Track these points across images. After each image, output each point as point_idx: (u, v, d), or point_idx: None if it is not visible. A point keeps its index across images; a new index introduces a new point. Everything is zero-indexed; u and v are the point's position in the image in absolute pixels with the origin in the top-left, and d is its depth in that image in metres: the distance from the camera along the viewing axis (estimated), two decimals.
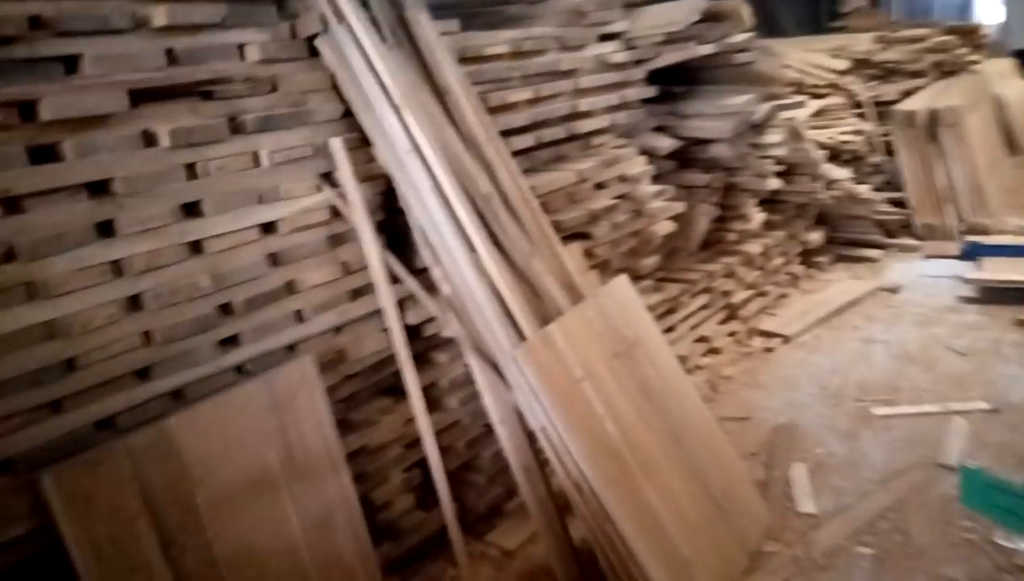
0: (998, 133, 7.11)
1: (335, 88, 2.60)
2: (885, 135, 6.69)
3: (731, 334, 4.82)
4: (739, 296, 4.92)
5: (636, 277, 4.16)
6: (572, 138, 3.74)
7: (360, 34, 2.55)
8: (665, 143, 4.34)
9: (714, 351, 4.66)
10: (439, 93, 2.90)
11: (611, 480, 2.40)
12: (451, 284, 2.69)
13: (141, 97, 2.11)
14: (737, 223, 4.93)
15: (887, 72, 7.67)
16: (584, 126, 3.74)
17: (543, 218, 3.05)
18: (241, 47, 2.37)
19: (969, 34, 8.23)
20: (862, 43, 7.56)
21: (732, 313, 4.90)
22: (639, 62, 4.07)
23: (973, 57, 7.81)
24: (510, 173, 3.01)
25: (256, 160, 2.37)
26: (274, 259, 2.43)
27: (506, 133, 3.25)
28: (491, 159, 2.94)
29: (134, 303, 2.10)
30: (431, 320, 2.83)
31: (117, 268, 2.04)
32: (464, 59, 3.15)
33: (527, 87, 3.41)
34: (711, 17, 4.37)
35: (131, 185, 2.06)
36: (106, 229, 2.04)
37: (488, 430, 2.91)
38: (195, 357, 2.22)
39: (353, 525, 2.54)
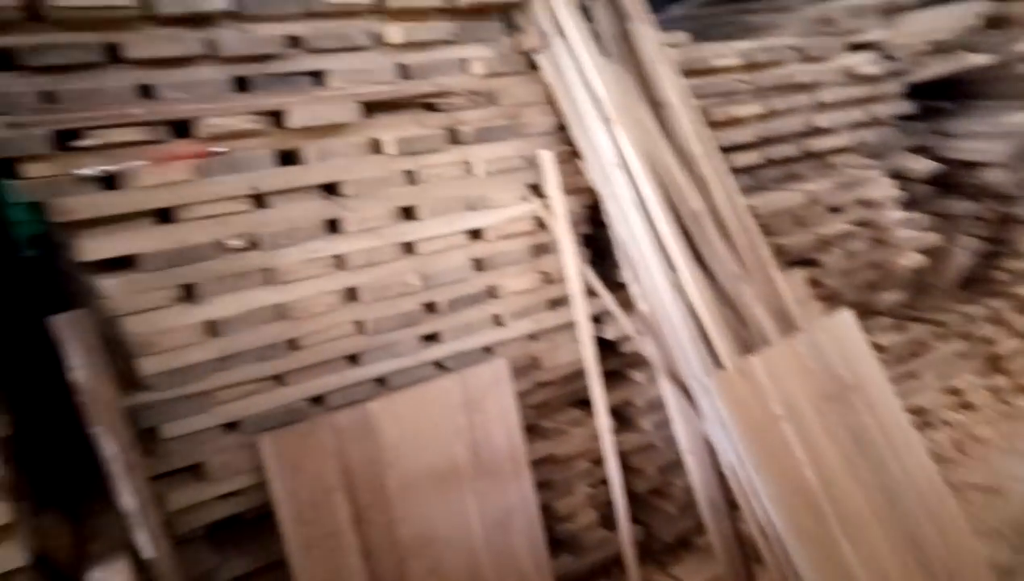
0: None
1: (550, 101, 2.66)
2: None
3: (991, 389, 4.16)
4: (1006, 346, 4.23)
5: (873, 313, 3.76)
6: (807, 156, 3.47)
7: (578, 47, 2.58)
8: (922, 165, 3.86)
9: (967, 407, 4.05)
10: (656, 106, 2.85)
11: (804, 532, 2.18)
12: (648, 302, 2.63)
13: (372, 108, 2.32)
14: (1010, 261, 4.25)
15: None
16: (822, 144, 3.45)
17: (760, 240, 2.86)
18: (466, 62, 2.52)
19: None
20: None
21: (995, 365, 4.22)
22: (895, 74, 3.66)
23: None
24: (726, 191, 2.87)
25: (469, 169, 2.50)
26: (478, 264, 2.54)
27: (729, 149, 3.10)
28: (706, 175, 2.82)
29: (351, 295, 2.32)
30: (630, 337, 2.78)
31: (340, 262, 2.27)
32: (690, 72, 3.06)
33: (757, 101, 3.23)
34: (991, 23, 3.81)
35: (358, 188, 2.28)
36: (333, 226, 2.27)
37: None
38: (399, 348, 2.40)
39: (531, 531, 2.58)
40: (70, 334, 1.80)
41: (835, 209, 3.47)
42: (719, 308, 2.63)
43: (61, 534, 2.01)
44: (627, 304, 2.71)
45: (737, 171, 3.13)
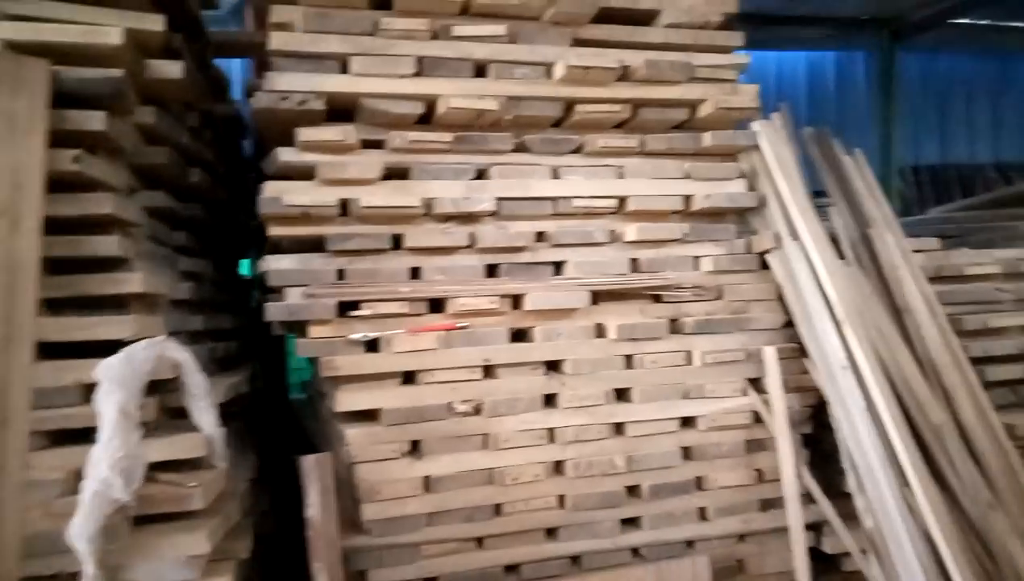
0: None
1: (779, 299, 2.68)
2: None
3: None
4: None
5: None
6: None
7: (811, 249, 2.61)
8: None
9: None
10: (897, 312, 2.74)
11: None
12: (874, 518, 2.42)
13: (601, 296, 2.52)
14: None
15: None
16: None
17: (1020, 464, 2.55)
18: (696, 259, 2.65)
19: None
20: None
21: None
22: None
23: None
24: (977, 405, 2.62)
25: (689, 358, 2.57)
26: (687, 453, 2.55)
27: (984, 360, 2.85)
28: (951, 386, 2.62)
29: (557, 468, 2.44)
30: (850, 553, 2.56)
31: (551, 434, 2.41)
32: (939, 278, 2.91)
33: (1020, 312, 2.96)
34: None
35: (577, 367, 2.45)
36: (549, 400, 2.44)
37: None
38: (597, 529, 2.44)
39: None
40: (314, 474, 2.11)
41: None
42: (962, 537, 2.35)
43: None
44: (850, 516, 2.52)
45: (994, 385, 2.85)
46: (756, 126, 2.71)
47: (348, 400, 2.25)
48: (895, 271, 2.77)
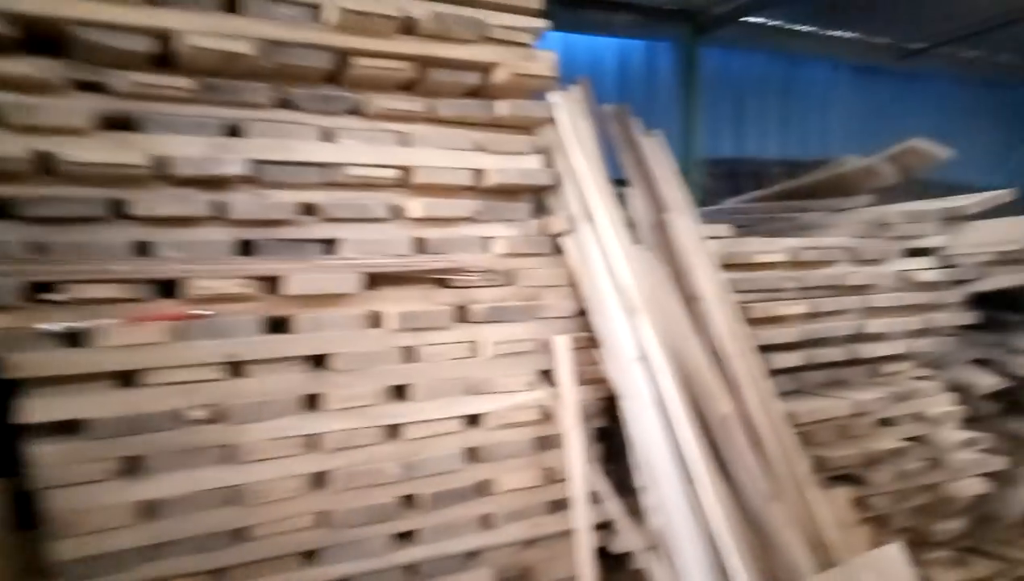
0: None
1: (573, 286, 2.50)
2: None
3: None
4: None
5: (927, 544, 3.32)
6: (855, 362, 3.19)
7: (606, 234, 2.45)
8: (987, 381, 3.53)
9: None
10: (689, 300, 2.67)
11: None
12: (662, 515, 2.32)
13: (379, 280, 2.20)
14: None
15: None
16: (872, 350, 3.18)
17: (797, 452, 2.56)
18: (488, 240, 2.41)
19: None
20: None
21: None
22: (957, 283, 3.42)
23: None
24: (761, 395, 2.61)
25: (476, 350, 2.32)
26: (472, 454, 2.31)
27: (768, 348, 2.87)
28: (738, 376, 2.58)
29: (319, 481, 2.10)
30: (637, 552, 2.46)
31: (312, 442, 2.07)
32: (731, 265, 2.89)
33: (803, 300, 3.02)
34: None
35: (348, 362, 2.12)
36: (312, 402, 2.09)
37: None
38: (367, 547, 2.14)
39: None
40: None
41: (886, 422, 3.15)
42: (745, 531, 2.31)
43: None
44: (639, 513, 2.41)
45: (777, 373, 2.88)
46: (554, 98, 2.51)
47: (40, 409, 1.76)
48: (688, 258, 2.70)
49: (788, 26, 6.70)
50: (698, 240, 2.73)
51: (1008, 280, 3.48)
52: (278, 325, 2.08)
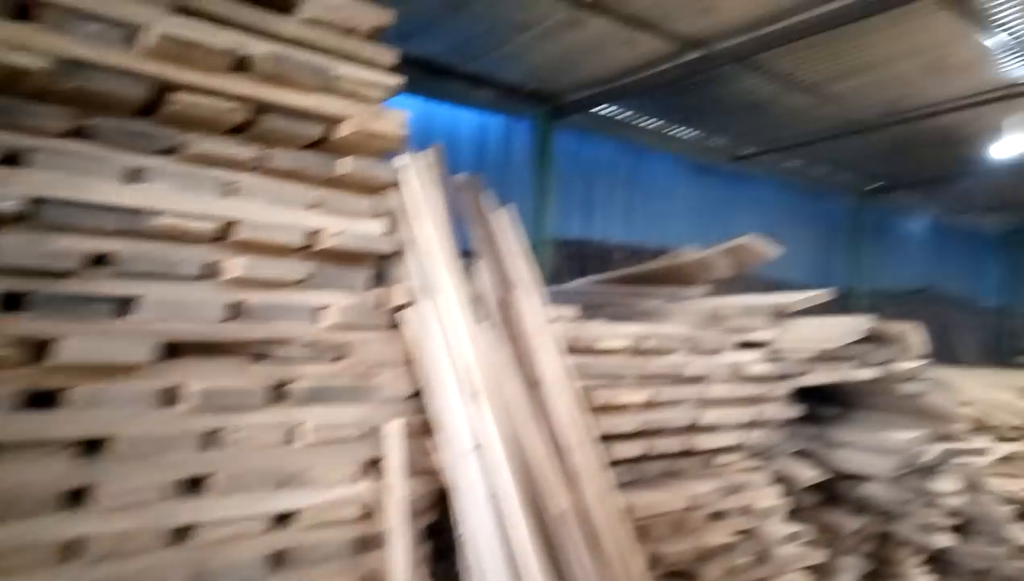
0: None
1: (410, 364, 2.29)
2: None
3: None
4: None
5: None
6: (690, 453, 3.18)
7: (449, 309, 2.27)
8: (808, 474, 3.65)
9: None
10: (532, 384, 2.53)
11: None
12: None
13: (182, 350, 1.88)
14: None
15: None
16: (707, 442, 3.19)
17: (634, 550, 2.45)
18: (317, 309, 2.15)
19: None
20: None
21: None
22: (783, 377, 3.55)
23: None
24: (599, 489, 2.49)
25: (291, 435, 2.03)
26: (278, 559, 1.98)
27: (609, 438, 2.78)
28: (578, 468, 2.45)
29: None
30: None
31: (72, 549, 1.66)
32: (574, 349, 2.80)
33: (643, 388, 2.98)
34: (875, 338, 3.83)
35: (129, 448, 1.75)
36: (77, 498, 1.70)
37: None
38: None
39: None
40: None
41: (717, 515, 3.14)
42: None
43: None
44: None
45: (617, 463, 2.79)
46: (404, 161, 2.33)
47: None
48: (533, 339, 2.57)
49: (636, 120, 7.04)
50: (544, 321, 2.62)
51: (827, 376, 3.66)
52: (43, 400, 1.68)
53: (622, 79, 5.71)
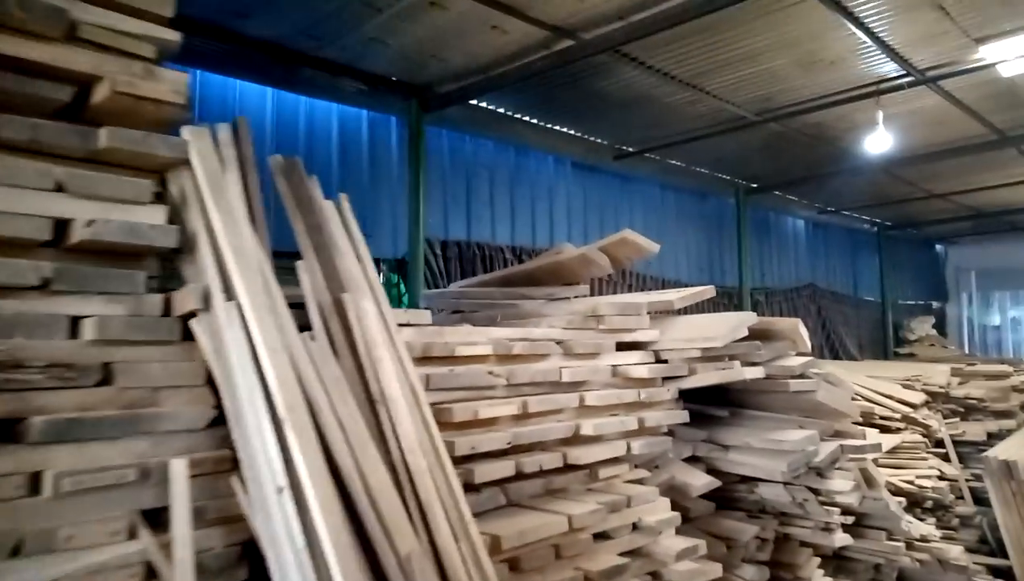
0: None
1: (205, 386, 1.83)
2: (974, 479, 5.62)
3: None
4: None
5: None
6: (571, 468, 2.84)
7: (252, 315, 1.83)
8: (700, 481, 3.39)
9: None
10: (372, 402, 2.12)
11: None
12: None
13: None
14: None
15: (968, 408, 6.79)
16: (588, 454, 2.86)
17: None
18: (74, 320, 1.67)
19: None
20: (938, 375, 6.75)
21: None
22: (668, 379, 3.28)
23: None
24: (456, 520, 2.10)
25: (34, 486, 1.54)
26: None
27: (472, 458, 2.40)
28: (427, 499, 2.05)
29: None
30: None
31: None
32: (427, 358, 2.41)
33: (512, 399, 2.62)
34: (760, 335, 3.64)
35: None
36: None
37: None
38: None
39: None
40: None
41: (604, 535, 2.81)
42: None
43: None
44: None
45: (483, 486, 2.42)
46: (186, 133, 1.88)
47: None
48: (373, 350, 2.16)
49: (514, 115, 6.76)
50: (385, 328, 2.21)
51: (715, 377, 3.43)
52: None
53: (494, 69, 5.40)
